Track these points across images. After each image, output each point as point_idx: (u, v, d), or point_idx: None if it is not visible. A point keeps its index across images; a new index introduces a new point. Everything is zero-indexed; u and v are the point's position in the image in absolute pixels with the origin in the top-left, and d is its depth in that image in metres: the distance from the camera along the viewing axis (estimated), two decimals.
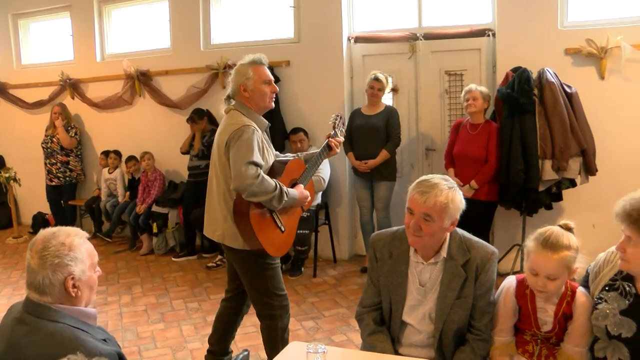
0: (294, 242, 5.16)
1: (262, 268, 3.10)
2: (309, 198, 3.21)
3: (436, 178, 2.23)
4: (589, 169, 4.79)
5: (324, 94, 5.83)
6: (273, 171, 3.04)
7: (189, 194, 6.16)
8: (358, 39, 5.80)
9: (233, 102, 3.11)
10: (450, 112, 5.51)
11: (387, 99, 5.56)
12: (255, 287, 3.18)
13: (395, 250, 2.33)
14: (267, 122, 3.17)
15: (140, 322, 4.52)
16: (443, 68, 5.51)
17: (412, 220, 2.18)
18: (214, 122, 6.23)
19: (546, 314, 2.18)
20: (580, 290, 2.18)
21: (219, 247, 5.93)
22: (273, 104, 3.16)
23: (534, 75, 4.80)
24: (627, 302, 2.00)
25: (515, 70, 4.87)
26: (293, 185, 3.13)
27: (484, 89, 4.89)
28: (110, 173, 6.94)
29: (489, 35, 5.34)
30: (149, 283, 5.45)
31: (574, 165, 4.71)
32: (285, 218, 3.11)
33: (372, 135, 5.24)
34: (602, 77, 5.04)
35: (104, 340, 1.85)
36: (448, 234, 2.27)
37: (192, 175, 6.14)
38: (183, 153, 6.28)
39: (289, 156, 3.37)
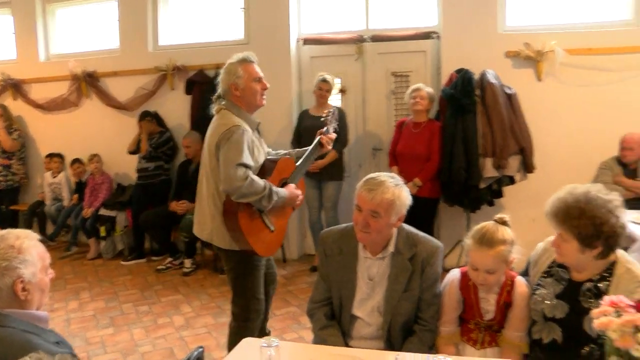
0: None
1: (248, 268, 3.12)
2: (300, 197, 3.20)
3: (383, 176, 2.30)
4: (528, 166, 5.01)
5: (272, 95, 5.67)
6: (263, 170, 3.04)
7: (138, 197, 6.11)
8: (306, 41, 5.88)
9: (223, 102, 3.08)
10: (397, 113, 5.63)
11: (334, 100, 5.65)
12: (238, 288, 3.19)
13: (344, 246, 2.39)
14: (258, 121, 3.16)
15: (89, 327, 4.44)
16: (389, 69, 5.64)
17: (360, 217, 2.25)
18: (162, 125, 6.20)
19: (488, 304, 2.29)
20: (519, 279, 2.30)
21: (169, 249, 5.91)
22: (264, 102, 3.16)
23: (476, 76, 4.99)
24: (561, 286, 2.15)
25: (459, 71, 5.04)
26: (283, 185, 3.13)
27: (430, 89, 5.05)
28: (54, 177, 6.80)
29: (434, 38, 5.51)
30: (97, 288, 5.36)
31: (514, 163, 4.91)
32: (274, 217, 3.11)
33: None
34: (539, 79, 5.29)
35: (57, 343, 1.82)
36: (395, 230, 2.35)
37: (141, 178, 6.09)
38: (130, 152, 6.21)
39: (280, 152, 3.39)
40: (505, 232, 2.21)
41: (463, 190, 4.94)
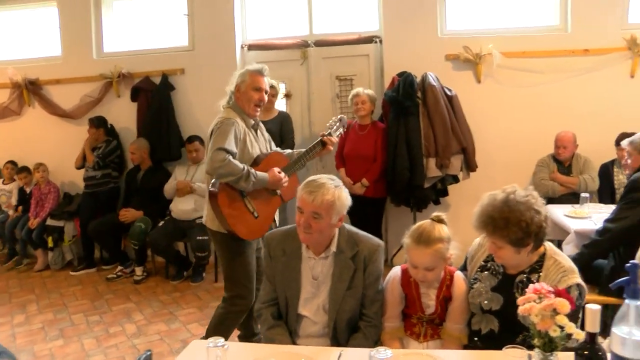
0: (193, 248, 5.28)
1: (234, 252, 3.34)
2: (282, 181, 3.32)
3: (323, 178, 2.37)
4: (470, 165, 5.19)
5: (218, 101, 5.85)
6: (255, 162, 3.30)
7: (86, 206, 6.02)
8: (251, 47, 5.92)
9: (231, 101, 3.40)
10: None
11: (280, 105, 5.71)
12: (226, 272, 3.45)
13: (288, 247, 2.46)
14: (254, 121, 3.43)
15: (37, 340, 4.34)
16: (334, 73, 5.74)
17: (302, 218, 2.31)
18: (110, 133, 6.12)
19: (429, 298, 2.38)
20: (458, 274, 2.40)
21: (120, 257, 5.86)
22: (257, 113, 3.40)
23: (418, 79, 5.14)
24: (496, 279, 2.28)
25: (401, 75, 5.18)
26: None
27: (369, 91, 5.15)
28: (5, 184, 6.64)
29: (376, 42, 5.65)
30: (45, 299, 5.24)
31: (456, 162, 5.09)
32: (259, 204, 3.31)
33: None
34: (478, 81, 5.51)
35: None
36: (337, 230, 2.43)
37: (89, 187, 6.01)
38: (77, 168, 6.13)
39: (287, 151, 3.64)
40: (442, 230, 2.30)
41: (408, 189, 5.08)
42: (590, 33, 5.32)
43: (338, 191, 2.34)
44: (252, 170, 3.17)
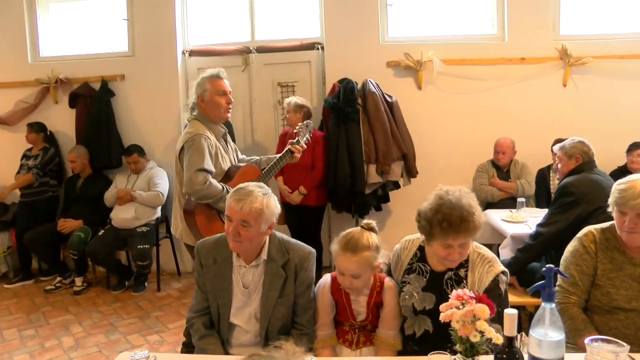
0: (134, 257, 5.18)
1: None
2: None
3: (251, 186, 2.36)
4: (410, 171, 5.25)
5: (160, 107, 5.81)
6: (227, 175, 3.32)
7: (22, 215, 5.82)
8: (193, 53, 5.86)
9: (195, 112, 3.38)
10: (284, 122, 5.71)
11: None
12: None
13: (218, 256, 2.43)
14: (224, 130, 3.45)
15: None
16: (276, 80, 5.73)
17: (231, 226, 2.29)
18: (50, 142, 5.93)
19: (359, 305, 2.38)
20: (388, 280, 2.41)
21: (59, 268, 5.68)
22: (228, 115, 3.44)
23: (359, 86, 5.18)
24: (425, 279, 2.31)
25: (342, 81, 5.21)
26: None
27: (295, 100, 5.11)
28: None
29: (318, 49, 5.67)
30: None
31: (397, 168, 5.14)
32: None
33: None
34: (419, 88, 5.59)
35: None
36: (267, 238, 2.41)
37: (25, 195, 5.82)
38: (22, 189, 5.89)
39: (253, 159, 3.67)
40: (371, 238, 2.29)
41: (349, 196, 5.10)
42: (526, 43, 5.50)
43: (266, 199, 2.33)
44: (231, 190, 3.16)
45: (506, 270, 2.25)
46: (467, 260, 2.27)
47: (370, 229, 2.35)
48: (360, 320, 2.39)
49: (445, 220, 2.14)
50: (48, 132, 5.98)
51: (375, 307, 2.37)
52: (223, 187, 3.18)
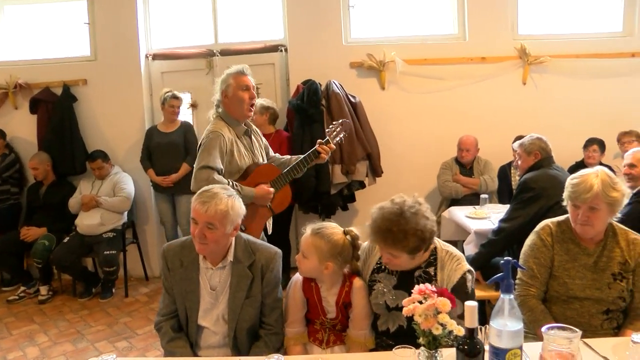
0: (100, 263, 5.12)
1: None
2: (270, 196, 3.30)
3: (216, 188, 2.37)
4: (375, 170, 5.32)
5: (123, 112, 5.75)
6: (245, 174, 3.31)
7: None
8: (156, 56, 5.82)
9: (220, 109, 3.37)
10: None
11: (186, 115, 5.70)
12: None
13: (185, 258, 2.43)
14: (247, 127, 3.41)
15: None
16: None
17: (197, 229, 2.30)
18: (9, 148, 5.82)
19: (329, 304, 2.41)
20: (357, 280, 2.42)
21: (23, 277, 5.57)
22: (251, 113, 3.39)
23: (322, 87, 5.22)
24: (395, 278, 2.34)
25: (305, 82, 5.25)
26: None
27: (263, 101, 5.16)
28: None
29: (281, 51, 5.69)
30: None
31: (362, 168, 5.20)
32: (247, 218, 3.13)
33: (172, 151, 5.31)
34: (382, 88, 5.66)
35: None
36: (233, 239, 2.43)
37: None
38: None
39: (285, 157, 3.62)
40: (341, 242, 2.39)
41: (315, 197, 5.14)
42: (486, 42, 5.62)
43: (231, 200, 2.34)
44: (238, 186, 3.15)
45: (472, 269, 2.30)
46: (435, 259, 2.31)
47: (348, 234, 2.42)
48: (330, 318, 2.42)
49: (375, 228, 2.23)
50: (7, 139, 5.85)
51: (344, 306, 2.39)
52: (230, 182, 3.13)
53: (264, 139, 3.64)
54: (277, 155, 3.69)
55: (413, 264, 2.29)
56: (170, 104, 5.31)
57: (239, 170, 3.29)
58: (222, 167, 3.19)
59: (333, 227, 2.41)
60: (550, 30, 5.80)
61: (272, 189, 3.32)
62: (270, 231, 3.61)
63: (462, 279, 2.24)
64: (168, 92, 5.33)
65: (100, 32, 5.77)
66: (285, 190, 3.46)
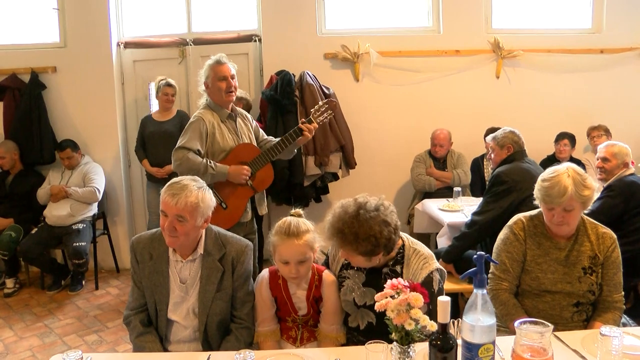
0: (70, 255, 5.02)
1: None
2: (244, 173, 3.42)
3: (186, 179, 2.33)
4: (349, 162, 5.32)
5: (94, 100, 5.63)
6: (227, 154, 3.45)
7: None
8: (128, 44, 5.71)
9: (207, 99, 3.54)
10: None
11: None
12: None
13: (154, 251, 2.39)
14: (229, 112, 3.54)
15: None
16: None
17: (167, 222, 2.26)
18: None
19: (299, 300, 2.38)
20: (327, 272, 2.40)
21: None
22: (231, 99, 3.52)
23: (296, 78, 5.19)
24: (363, 274, 2.32)
25: (279, 73, 5.22)
26: None
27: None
28: None
29: (255, 41, 5.64)
30: None
31: (335, 160, 5.20)
32: (228, 195, 3.47)
33: (167, 141, 5.12)
34: (357, 79, 5.65)
35: None
36: (203, 231, 2.39)
37: None
38: None
39: (272, 140, 3.71)
40: (306, 223, 2.33)
41: (288, 188, 5.13)
42: (460, 35, 5.65)
43: (202, 192, 2.31)
44: (211, 163, 3.33)
45: (443, 269, 2.27)
46: (402, 256, 2.29)
47: (299, 215, 2.38)
48: (302, 315, 2.39)
49: (329, 225, 2.22)
50: None
51: (315, 301, 2.37)
52: (202, 160, 3.30)
53: (254, 122, 3.77)
54: (270, 137, 3.79)
55: (374, 264, 2.25)
56: (164, 92, 5.21)
57: (222, 151, 3.44)
58: (199, 148, 3.35)
59: (293, 219, 2.34)
60: (524, 25, 5.85)
61: (246, 167, 3.44)
62: (262, 212, 3.76)
63: (429, 278, 2.19)
64: (162, 79, 5.23)
65: (70, 19, 5.62)
66: (267, 169, 3.57)
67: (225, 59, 3.53)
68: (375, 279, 2.29)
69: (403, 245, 2.32)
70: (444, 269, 2.29)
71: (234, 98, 3.56)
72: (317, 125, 3.60)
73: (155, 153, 5.26)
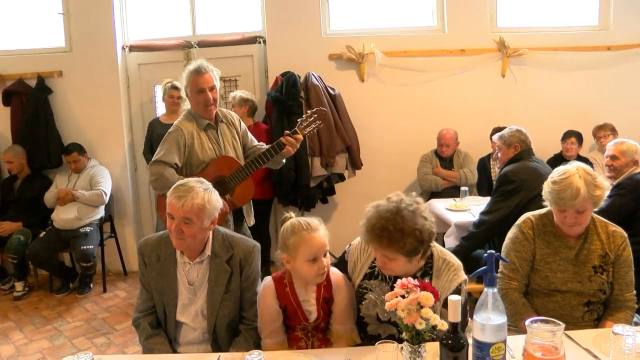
0: (77, 258, 5.03)
1: None
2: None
3: (192, 182, 2.32)
4: (355, 163, 5.31)
5: (100, 104, 5.65)
6: (205, 166, 3.27)
7: None
8: (133, 48, 5.73)
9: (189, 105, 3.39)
10: None
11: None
12: None
13: (162, 253, 2.39)
14: (208, 122, 3.32)
15: None
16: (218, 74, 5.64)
17: (173, 224, 2.25)
18: None
19: (309, 304, 2.28)
20: (334, 271, 2.32)
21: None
22: (211, 112, 3.29)
23: (301, 79, 5.19)
24: (388, 286, 2.18)
25: (284, 74, 5.22)
26: (218, 182, 3.22)
27: (240, 94, 5.12)
28: None
29: (260, 42, 5.65)
30: None
31: (341, 161, 5.19)
32: None
33: None
34: (362, 80, 5.65)
35: None
36: (210, 233, 2.39)
37: None
38: None
39: (264, 146, 3.48)
40: (313, 219, 2.25)
41: (294, 190, 5.12)
42: (465, 35, 5.64)
43: (207, 194, 2.30)
44: None
45: (467, 278, 2.17)
46: (431, 267, 2.19)
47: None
48: (313, 321, 2.28)
49: (369, 227, 2.08)
50: None
51: (325, 301, 2.28)
52: (178, 178, 3.01)
53: (242, 125, 3.53)
54: (261, 144, 3.59)
55: (408, 270, 2.12)
56: (170, 94, 5.21)
57: (200, 162, 3.26)
58: (176, 161, 3.20)
59: (301, 219, 2.27)
60: (529, 23, 5.84)
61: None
62: (250, 223, 3.58)
63: (457, 290, 2.11)
64: (168, 82, 5.23)
65: (75, 23, 5.65)
66: (248, 183, 3.35)
67: (206, 66, 3.26)
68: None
69: (432, 255, 2.20)
70: (467, 279, 2.19)
71: (215, 110, 3.31)
72: (301, 138, 3.36)
73: None
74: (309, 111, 3.47)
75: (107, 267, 5.57)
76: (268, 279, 2.35)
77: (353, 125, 5.36)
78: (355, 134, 5.34)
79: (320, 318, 2.28)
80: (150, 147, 5.32)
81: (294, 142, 3.31)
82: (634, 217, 3.57)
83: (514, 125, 3.85)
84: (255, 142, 3.59)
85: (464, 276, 2.16)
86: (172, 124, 5.14)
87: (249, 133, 3.59)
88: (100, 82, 5.63)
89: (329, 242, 2.27)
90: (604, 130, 5.43)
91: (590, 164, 4.61)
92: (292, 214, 2.33)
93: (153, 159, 3.19)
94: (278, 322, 2.29)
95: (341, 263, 2.42)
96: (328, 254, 2.25)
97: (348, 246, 2.42)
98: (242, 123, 3.56)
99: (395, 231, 2.02)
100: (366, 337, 2.27)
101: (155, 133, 5.28)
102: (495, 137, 3.98)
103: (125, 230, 5.88)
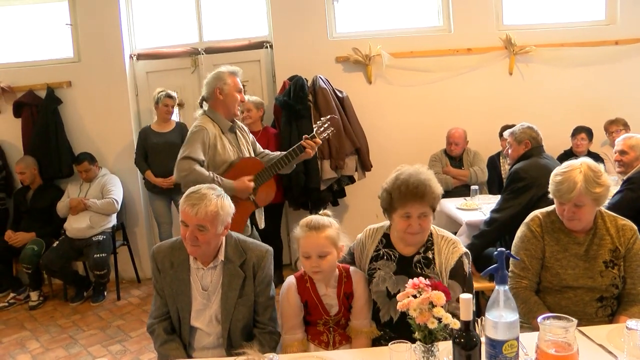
0: (91, 267, 5.06)
1: None
2: (250, 189, 3.39)
3: (204, 188, 2.33)
4: (364, 165, 5.31)
5: (109, 113, 5.69)
6: (230, 167, 3.38)
7: None
8: (140, 56, 5.77)
9: (205, 107, 3.48)
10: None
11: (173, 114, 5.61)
12: None
13: (175, 259, 2.40)
14: (231, 123, 3.47)
15: None
16: None
17: (188, 232, 2.27)
18: None
19: (330, 298, 2.36)
20: (353, 268, 2.43)
21: (12, 283, 5.49)
22: (239, 113, 3.52)
23: (309, 82, 5.20)
24: (394, 263, 2.35)
25: (292, 78, 5.23)
26: None
27: (255, 98, 5.17)
28: None
29: (266, 47, 5.67)
30: None
31: (350, 163, 5.19)
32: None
33: (170, 152, 5.18)
34: (369, 82, 5.65)
35: None
36: (223, 238, 2.40)
37: None
38: None
39: (274, 154, 3.68)
40: (331, 220, 2.35)
41: (305, 193, 5.13)
42: (471, 33, 5.64)
43: (220, 200, 2.31)
44: (218, 178, 3.25)
45: (468, 251, 2.35)
46: (432, 243, 2.35)
47: (327, 215, 2.40)
48: (334, 315, 2.37)
49: (404, 184, 2.25)
50: None
51: (346, 297, 2.36)
52: (209, 174, 3.23)
53: (250, 135, 3.70)
54: (267, 151, 3.73)
55: (428, 226, 2.32)
56: (165, 103, 5.25)
57: (224, 162, 3.37)
58: (203, 158, 3.29)
59: (317, 216, 2.38)
60: (535, 20, 5.82)
61: (251, 183, 3.39)
62: (261, 225, 3.65)
63: (460, 262, 2.28)
64: (162, 91, 5.27)
65: (83, 33, 5.70)
66: (270, 184, 3.52)
67: (240, 73, 3.53)
68: (406, 267, 2.32)
69: (431, 233, 2.38)
70: (469, 252, 2.36)
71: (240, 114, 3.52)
72: (320, 142, 3.55)
73: (160, 164, 5.29)
74: (322, 118, 3.65)
75: (120, 275, 5.59)
76: (291, 277, 2.44)
77: (362, 127, 5.37)
78: (364, 136, 5.35)
79: (341, 313, 2.37)
80: (143, 155, 5.35)
81: (313, 144, 3.50)
82: None
83: (525, 122, 3.84)
84: (261, 149, 3.74)
85: (464, 249, 2.35)
86: (166, 132, 5.30)
87: (256, 141, 3.76)
88: (109, 91, 5.67)
89: (345, 240, 2.40)
90: (616, 125, 5.39)
91: (601, 160, 4.59)
92: (327, 212, 2.44)
93: (181, 156, 3.25)
94: (299, 317, 2.39)
95: (349, 256, 2.55)
96: (331, 256, 2.31)
97: (352, 243, 2.55)
98: (249, 132, 3.76)
99: (417, 181, 2.25)
100: (379, 326, 2.38)
101: (150, 141, 5.33)
102: (506, 133, 3.97)
103: (137, 237, 5.91)
